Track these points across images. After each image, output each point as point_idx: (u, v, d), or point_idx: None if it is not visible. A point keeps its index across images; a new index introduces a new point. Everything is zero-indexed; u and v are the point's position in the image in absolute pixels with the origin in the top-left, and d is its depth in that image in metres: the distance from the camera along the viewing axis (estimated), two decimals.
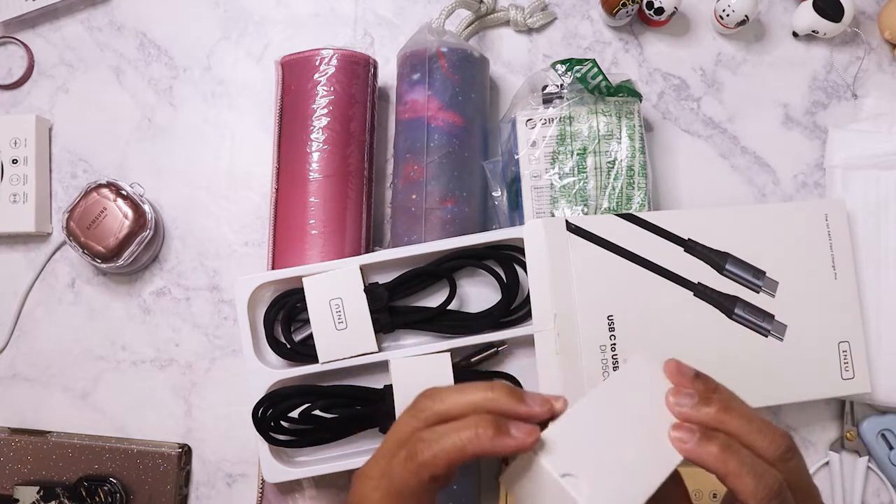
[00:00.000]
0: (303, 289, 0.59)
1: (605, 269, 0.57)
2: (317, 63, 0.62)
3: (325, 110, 0.62)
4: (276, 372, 0.59)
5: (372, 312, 0.59)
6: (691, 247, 0.58)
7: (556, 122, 0.61)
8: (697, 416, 0.37)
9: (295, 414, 0.59)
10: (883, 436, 0.63)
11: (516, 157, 0.62)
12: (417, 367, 0.58)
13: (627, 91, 0.62)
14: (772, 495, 0.35)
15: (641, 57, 0.69)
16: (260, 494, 0.64)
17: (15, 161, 0.68)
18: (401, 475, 0.37)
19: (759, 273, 0.58)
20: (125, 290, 0.69)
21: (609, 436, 0.37)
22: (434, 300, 0.60)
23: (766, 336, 0.58)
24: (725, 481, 0.36)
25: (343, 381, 0.61)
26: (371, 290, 0.59)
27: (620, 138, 0.61)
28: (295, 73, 0.63)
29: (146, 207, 0.66)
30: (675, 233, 0.58)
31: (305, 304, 0.59)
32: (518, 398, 0.38)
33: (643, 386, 0.39)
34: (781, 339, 0.58)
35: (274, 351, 0.60)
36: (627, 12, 0.65)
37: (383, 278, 0.60)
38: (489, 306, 0.60)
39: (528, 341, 0.58)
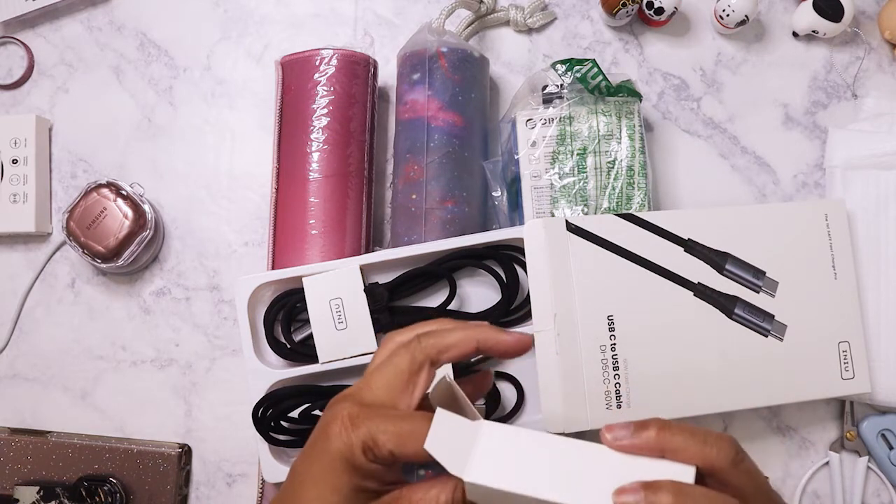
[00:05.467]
0: (303, 289, 0.59)
1: (605, 269, 0.57)
2: (317, 63, 0.62)
3: (325, 110, 0.62)
4: (276, 372, 0.59)
5: (372, 312, 0.59)
6: (691, 247, 0.58)
7: (556, 122, 0.61)
8: (639, 444, 0.35)
9: (295, 414, 0.59)
10: (883, 436, 0.63)
11: (516, 157, 0.62)
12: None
13: (627, 91, 0.62)
14: (733, 460, 0.35)
15: (641, 57, 0.69)
16: (260, 494, 0.64)
17: (15, 161, 0.68)
18: (398, 354, 0.40)
19: (759, 273, 0.58)
20: (125, 290, 0.69)
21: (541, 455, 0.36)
22: (434, 300, 0.60)
23: (766, 336, 0.58)
24: (678, 455, 0.35)
25: (343, 382, 0.61)
26: (371, 290, 0.59)
27: (620, 138, 0.61)
28: (295, 73, 0.63)
29: (146, 207, 0.66)
30: (675, 233, 0.58)
31: (305, 304, 0.59)
32: (503, 331, 0.42)
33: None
34: (781, 339, 0.58)
35: (274, 351, 0.60)
36: (627, 12, 0.65)
37: (383, 278, 0.60)
38: (489, 306, 0.60)
39: None
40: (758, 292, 0.58)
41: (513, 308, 0.60)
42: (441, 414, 0.36)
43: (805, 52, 0.69)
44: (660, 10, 0.64)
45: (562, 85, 0.62)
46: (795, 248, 0.60)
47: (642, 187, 0.61)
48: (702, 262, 0.58)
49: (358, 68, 0.63)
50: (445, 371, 0.40)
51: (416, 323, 0.43)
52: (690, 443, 0.35)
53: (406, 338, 0.41)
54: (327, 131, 0.62)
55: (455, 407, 0.40)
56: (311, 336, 0.59)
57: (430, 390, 0.40)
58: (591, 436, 0.59)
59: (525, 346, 0.42)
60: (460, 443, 0.35)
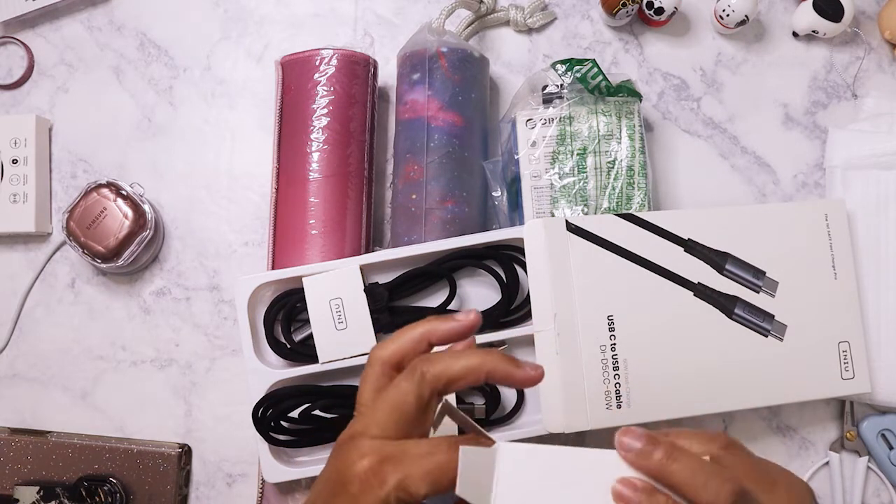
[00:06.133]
0: (303, 289, 0.59)
1: (605, 269, 0.57)
2: (317, 63, 0.62)
3: (325, 110, 0.62)
4: (276, 372, 0.59)
5: (372, 312, 0.59)
6: (691, 247, 0.58)
7: (556, 122, 0.61)
8: (644, 464, 0.35)
9: (295, 414, 0.59)
10: (883, 436, 0.63)
11: (516, 157, 0.62)
12: None
13: (627, 91, 0.62)
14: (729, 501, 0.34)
15: (641, 57, 0.69)
16: (260, 494, 0.64)
17: (15, 161, 0.68)
18: (402, 388, 0.38)
19: (759, 273, 0.58)
20: (125, 290, 0.69)
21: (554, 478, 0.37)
22: (434, 300, 0.60)
23: (766, 336, 0.58)
24: (680, 490, 0.35)
25: (343, 381, 0.61)
26: (371, 290, 0.59)
27: (620, 138, 0.61)
28: (295, 73, 0.63)
29: (146, 207, 0.66)
30: (675, 233, 0.58)
31: (305, 304, 0.59)
32: (514, 362, 0.39)
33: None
34: (781, 339, 0.58)
35: (274, 351, 0.60)
36: (627, 12, 0.65)
37: (383, 278, 0.60)
38: (489, 306, 0.60)
39: (528, 341, 0.58)
40: (758, 292, 0.58)
41: (513, 308, 0.60)
42: (464, 453, 0.35)
43: (805, 52, 0.69)
44: (660, 10, 0.64)
45: (562, 85, 0.62)
46: (795, 248, 0.60)
47: (642, 187, 0.61)
48: (702, 262, 0.58)
49: (358, 68, 0.63)
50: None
51: (404, 327, 0.41)
52: (690, 481, 0.34)
53: (407, 369, 0.39)
54: (327, 131, 0.62)
55: (457, 421, 0.40)
56: (311, 336, 0.59)
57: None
58: (593, 436, 0.59)
59: (536, 381, 0.39)
60: (482, 475, 0.36)
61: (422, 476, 0.36)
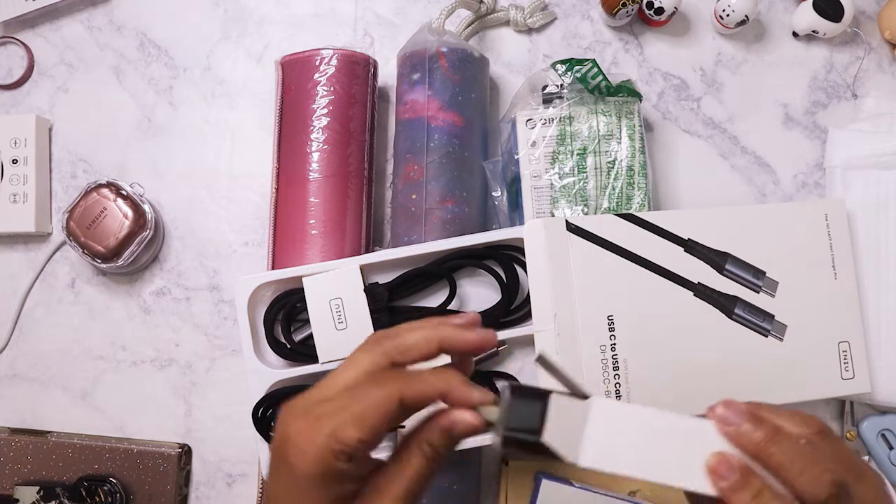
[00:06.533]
0: (303, 289, 0.59)
1: (605, 269, 0.57)
2: (317, 63, 0.62)
3: (325, 110, 0.62)
4: (276, 372, 0.59)
5: (372, 312, 0.59)
6: (691, 247, 0.58)
7: (556, 122, 0.61)
8: (742, 442, 0.35)
9: None
10: (883, 436, 0.63)
11: (516, 157, 0.62)
12: (417, 366, 0.58)
13: (627, 91, 0.62)
14: (827, 494, 0.33)
15: (641, 57, 0.69)
16: (260, 494, 0.64)
17: (15, 161, 0.68)
18: (356, 356, 0.37)
19: (759, 273, 0.58)
20: (125, 290, 0.69)
21: (644, 430, 0.37)
22: (434, 300, 0.60)
23: (766, 336, 0.58)
24: (779, 476, 0.35)
25: None
26: (371, 290, 0.59)
27: (620, 138, 0.61)
28: (295, 73, 0.63)
29: (146, 207, 0.66)
30: (675, 233, 0.58)
31: (305, 304, 0.59)
32: (467, 328, 0.38)
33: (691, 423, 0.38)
34: (781, 339, 0.58)
35: (274, 351, 0.60)
36: (627, 12, 0.65)
37: (383, 278, 0.60)
38: (489, 306, 0.60)
39: (528, 341, 0.58)
40: (758, 292, 0.58)
41: (513, 308, 0.60)
42: (555, 400, 0.35)
43: (805, 52, 0.69)
44: (660, 10, 0.64)
45: (562, 85, 0.62)
46: (795, 248, 0.60)
47: (642, 187, 0.61)
48: (702, 262, 0.58)
49: (358, 68, 0.63)
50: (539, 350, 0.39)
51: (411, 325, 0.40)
52: (789, 466, 0.34)
53: (364, 342, 0.38)
54: (327, 131, 0.62)
55: (554, 375, 0.38)
56: (311, 336, 0.59)
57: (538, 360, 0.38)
58: None
59: (489, 342, 0.38)
60: (573, 426, 0.35)
61: (351, 421, 0.33)
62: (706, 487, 0.35)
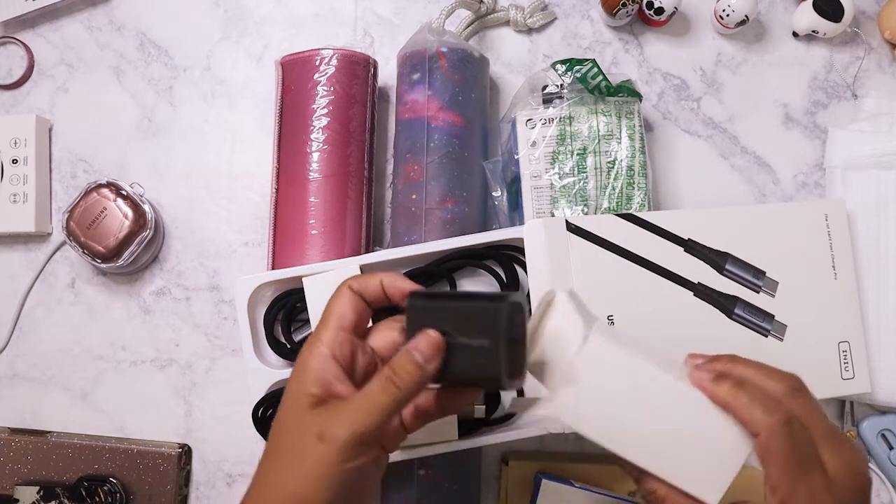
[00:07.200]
0: (303, 289, 0.59)
1: (604, 269, 0.57)
2: (317, 63, 0.62)
3: (325, 110, 0.62)
4: (276, 372, 0.59)
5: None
6: (691, 247, 0.58)
7: (556, 122, 0.61)
8: (711, 366, 0.41)
9: None
10: (883, 436, 0.63)
11: (516, 157, 0.62)
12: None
13: (627, 91, 0.62)
14: (779, 424, 0.37)
15: (641, 57, 0.69)
16: None
17: (15, 161, 0.68)
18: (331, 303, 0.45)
19: (759, 273, 0.58)
20: (125, 290, 0.69)
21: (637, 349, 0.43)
22: None
23: (766, 336, 0.58)
24: (737, 414, 0.39)
25: None
26: None
27: (620, 138, 0.61)
28: (295, 73, 0.63)
29: (146, 207, 0.66)
30: (675, 233, 0.58)
31: (305, 304, 0.59)
32: (402, 278, 0.45)
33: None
34: (781, 339, 0.58)
35: (274, 351, 0.60)
36: (627, 12, 0.65)
37: None
38: None
39: None
40: (758, 292, 0.58)
41: None
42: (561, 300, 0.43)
43: (805, 52, 0.69)
44: (660, 10, 0.64)
45: (562, 85, 0.62)
46: (795, 248, 0.60)
47: (642, 187, 0.61)
48: (702, 262, 0.58)
49: (358, 68, 0.63)
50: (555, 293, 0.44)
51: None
52: (752, 373, 0.40)
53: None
54: (327, 131, 0.62)
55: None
56: None
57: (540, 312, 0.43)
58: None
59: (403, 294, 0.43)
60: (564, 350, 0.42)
61: (325, 322, 0.43)
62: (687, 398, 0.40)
